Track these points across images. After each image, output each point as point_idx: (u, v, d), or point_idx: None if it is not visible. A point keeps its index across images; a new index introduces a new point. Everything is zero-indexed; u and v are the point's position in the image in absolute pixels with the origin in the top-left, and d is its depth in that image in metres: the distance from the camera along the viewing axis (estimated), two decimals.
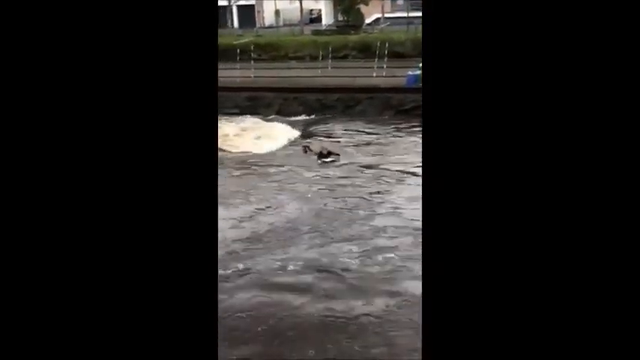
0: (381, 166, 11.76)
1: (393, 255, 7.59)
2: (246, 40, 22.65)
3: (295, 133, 15.21)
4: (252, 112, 17.73)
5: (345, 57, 21.15)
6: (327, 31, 24.79)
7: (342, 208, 9.40)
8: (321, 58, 20.43)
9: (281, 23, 31.38)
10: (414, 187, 9.95)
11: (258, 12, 33.03)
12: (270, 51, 21.73)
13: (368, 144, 13.83)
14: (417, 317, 5.60)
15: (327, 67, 19.69)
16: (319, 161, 11.87)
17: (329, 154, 11.99)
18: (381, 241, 8.10)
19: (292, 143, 14.27)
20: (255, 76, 20.24)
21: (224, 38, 23.52)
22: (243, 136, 14.92)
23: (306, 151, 12.69)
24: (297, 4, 28.23)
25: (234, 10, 31.80)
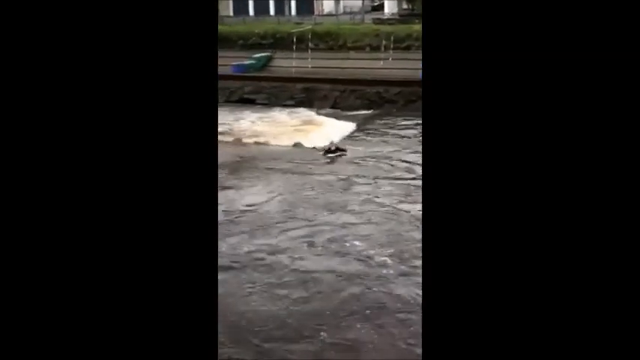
0: None
1: None
2: (304, 28, 22.02)
3: (349, 130, 14.04)
4: (307, 104, 17.07)
5: (408, 48, 20.00)
6: (390, 20, 23.84)
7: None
8: (382, 48, 19.67)
9: (341, 11, 30.97)
10: None
11: None
12: (329, 40, 20.93)
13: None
14: None
15: (389, 59, 18.95)
16: (326, 156, 11.55)
17: (337, 149, 11.83)
18: None
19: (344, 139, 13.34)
20: (312, 67, 19.69)
21: (281, 26, 23.44)
22: (292, 129, 14.25)
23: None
24: None
25: None
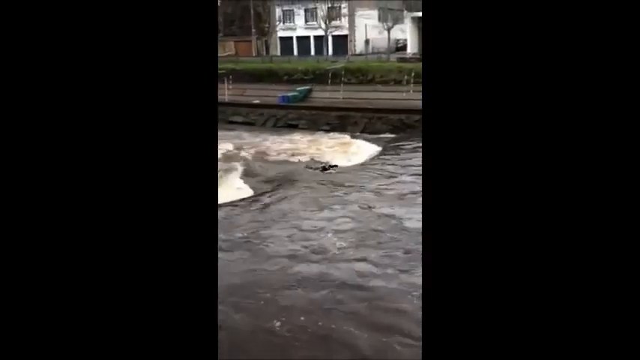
0: None
1: None
2: (339, 65, 23.27)
3: (377, 149, 15.32)
4: (341, 129, 18.41)
5: None
6: (412, 59, 24.80)
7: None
8: (404, 82, 20.75)
9: (370, 51, 32.00)
10: None
11: (350, 41, 33.92)
12: (359, 76, 22.16)
13: None
14: None
15: (410, 91, 19.97)
16: (322, 172, 13.01)
17: (330, 167, 13.34)
18: None
19: (373, 158, 14.44)
20: (343, 98, 20.84)
21: (320, 64, 24.74)
22: (331, 149, 15.58)
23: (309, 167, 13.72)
24: (386, 34, 28.47)
25: (330, 39, 32.50)
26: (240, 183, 12.17)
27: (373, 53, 30.71)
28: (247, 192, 11.47)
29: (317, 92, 22.54)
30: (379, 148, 15.61)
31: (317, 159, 14.39)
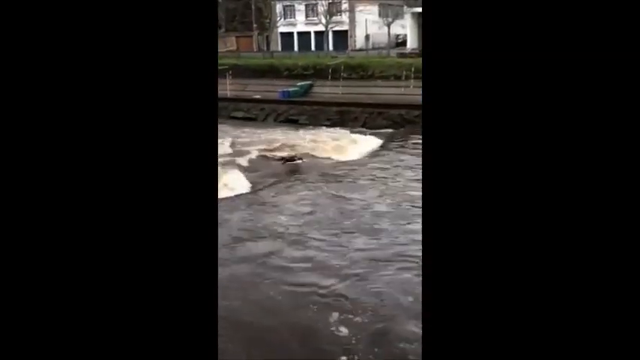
0: None
1: None
2: (339, 61, 23.19)
3: (378, 143, 15.32)
4: (341, 124, 18.36)
5: None
6: (411, 54, 24.61)
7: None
8: (404, 78, 20.63)
9: (370, 47, 31.81)
10: None
11: (351, 37, 33.71)
12: (360, 71, 22.05)
13: None
14: None
15: (410, 86, 19.87)
16: (284, 163, 12.81)
17: (293, 158, 13.04)
18: None
19: (374, 152, 14.46)
20: (343, 93, 20.79)
21: (320, 59, 24.54)
22: (330, 144, 15.44)
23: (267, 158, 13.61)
24: (386, 29, 28.53)
25: (330, 35, 32.33)
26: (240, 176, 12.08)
27: (373, 49, 30.59)
28: (246, 185, 11.46)
29: (318, 87, 22.48)
30: (380, 142, 15.61)
31: (313, 154, 14.23)
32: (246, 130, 18.36)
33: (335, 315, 5.66)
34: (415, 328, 5.13)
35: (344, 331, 5.38)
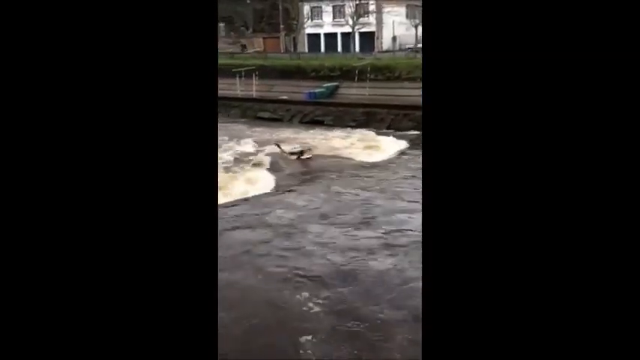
0: None
1: None
2: (366, 62, 23.08)
3: (403, 145, 15.21)
4: (367, 125, 18.25)
5: None
6: None
7: None
8: None
9: (397, 48, 31.62)
10: None
11: (377, 38, 33.60)
12: (386, 72, 21.88)
13: None
14: None
15: None
16: (295, 158, 13.09)
17: (302, 152, 13.31)
18: None
19: (400, 154, 14.37)
20: (370, 94, 20.66)
21: (347, 61, 24.52)
22: (358, 146, 15.40)
23: (280, 149, 13.79)
24: (413, 30, 28.75)
25: (357, 36, 32.26)
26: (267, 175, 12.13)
27: (400, 50, 30.40)
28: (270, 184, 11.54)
29: (344, 89, 22.39)
30: (406, 144, 15.54)
31: (344, 156, 14.22)
32: (269, 129, 18.50)
33: None
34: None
35: None
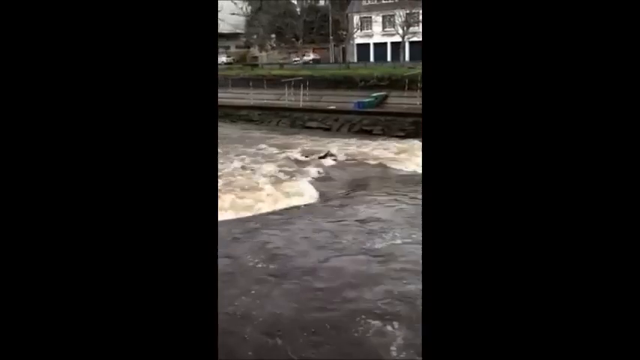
0: None
1: None
2: (415, 71, 22.57)
3: None
4: (415, 135, 17.82)
5: None
6: None
7: None
8: None
9: None
10: None
11: None
12: None
13: None
14: None
15: None
16: (319, 159, 14.78)
17: (326, 155, 15.21)
18: None
19: None
20: (420, 104, 19.88)
21: (396, 70, 24.28)
22: (407, 156, 15.21)
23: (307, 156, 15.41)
24: None
25: (407, 45, 32.04)
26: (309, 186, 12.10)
27: None
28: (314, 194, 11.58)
29: (393, 98, 22.15)
30: None
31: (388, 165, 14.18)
32: (315, 138, 18.53)
33: None
34: None
35: None
